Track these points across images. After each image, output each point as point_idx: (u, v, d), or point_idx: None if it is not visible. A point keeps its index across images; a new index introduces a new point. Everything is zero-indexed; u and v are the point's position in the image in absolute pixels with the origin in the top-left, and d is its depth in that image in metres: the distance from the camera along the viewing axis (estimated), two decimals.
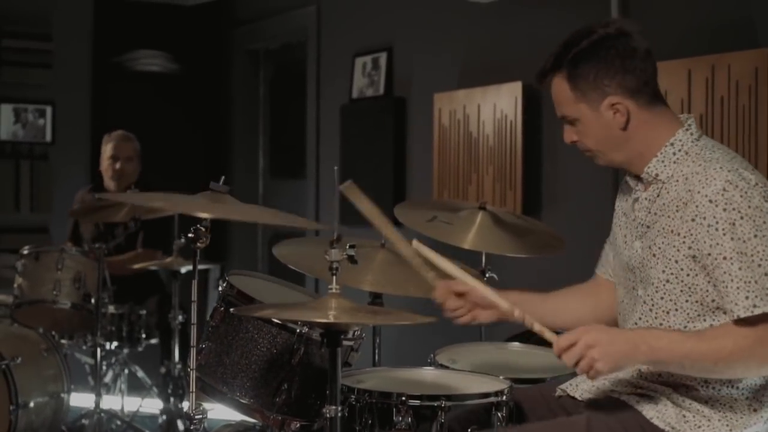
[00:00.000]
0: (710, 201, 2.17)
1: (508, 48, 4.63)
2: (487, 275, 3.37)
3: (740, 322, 2.15)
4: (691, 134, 2.32)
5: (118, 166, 5.18)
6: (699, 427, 2.23)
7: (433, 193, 4.91)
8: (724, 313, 2.19)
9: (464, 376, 2.75)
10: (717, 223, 2.15)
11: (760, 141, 3.48)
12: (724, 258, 2.14)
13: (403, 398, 2.45)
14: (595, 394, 2.42)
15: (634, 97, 2.30)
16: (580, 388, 2.45)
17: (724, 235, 2.14)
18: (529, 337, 3.75)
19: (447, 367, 2.87)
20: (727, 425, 2.23)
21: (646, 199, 2.34)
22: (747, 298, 2.12)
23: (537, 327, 2.32)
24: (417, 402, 2.45)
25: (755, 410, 2.24)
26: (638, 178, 2.38)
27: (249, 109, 6.92)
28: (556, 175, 4.40)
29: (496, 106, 4.54)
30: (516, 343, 3.26)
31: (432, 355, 2.98)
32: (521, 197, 4.42)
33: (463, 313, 2.58)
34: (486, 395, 2.49)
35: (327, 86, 5.95)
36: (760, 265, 2.12)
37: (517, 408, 2.52)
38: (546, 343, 3.19)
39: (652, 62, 2.33)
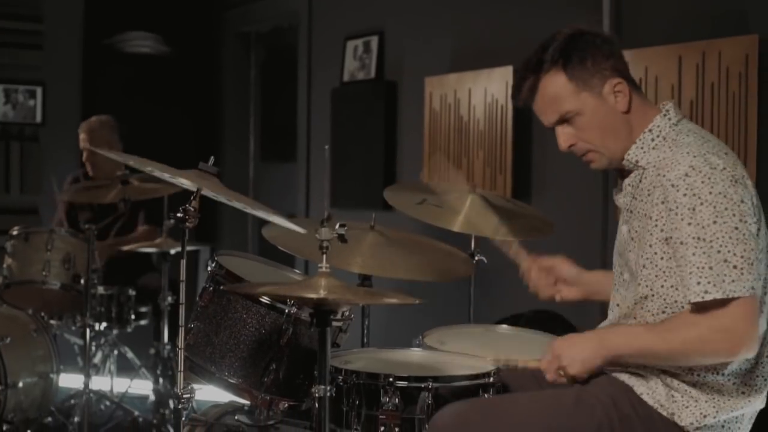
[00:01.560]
0: (672, 185, 2.19)
1: (500, 33, 4.63)
2: (476, 258, 3.37)
3: (693, 309, 2.17)
4: (669, 119, 2.34)
5: (84, 157, 5.17)
6: (687, 407, 2.25)
7: (423, 177, 4.91)
8: None
9: (452, 357, 2.75)
10: (677, 207, 2.17)
11: (749, 127, 3.49)
12: (681, 243, 2.16)
13: (391, 379, 2.45)
14: None
15: (626, 79, 2.34)
16: None
17: (682, 219, 2.16)
18: (517, 320, 3.77)
19: (435, 349, 2.88)
20: (714, 407, 2.25)
21: (629, 185, 2.37)
22: (699, 283, 2.13)
23: (521, 363, 2.45)
24: (404, 383, 2.46)
25: (743, 393, 2.26)
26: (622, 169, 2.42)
27: (240, 92, 6.90)
28: (546, 159, 4.40)
29: (486, 91, 4.54)
30: (504, 326, 3.27)
31: (420, 337, 2.98)
32: (511, 181, 4.43)
33: (546, 285, 2.72)
34: (474, 377, 2.51)
35: (318, 69, 5.94)
36: (719, 252, 2.12)
37: (504, 389, 2.53)
38: (534, 326, 3.23)
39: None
